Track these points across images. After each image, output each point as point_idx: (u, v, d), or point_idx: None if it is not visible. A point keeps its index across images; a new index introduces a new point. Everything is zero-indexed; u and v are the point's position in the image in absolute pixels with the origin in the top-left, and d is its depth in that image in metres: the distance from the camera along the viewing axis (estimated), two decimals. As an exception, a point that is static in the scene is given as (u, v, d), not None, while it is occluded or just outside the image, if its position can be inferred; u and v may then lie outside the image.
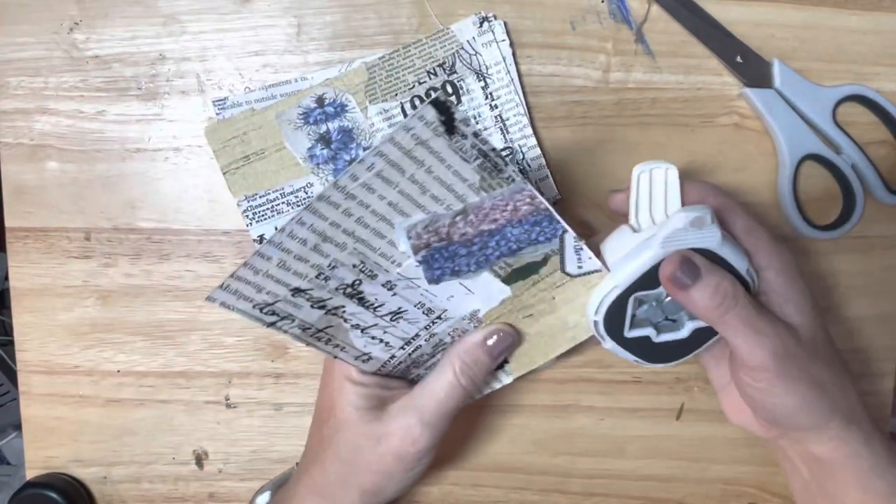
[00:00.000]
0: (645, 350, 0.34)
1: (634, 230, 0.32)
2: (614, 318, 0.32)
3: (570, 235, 0.31)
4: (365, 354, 0.34)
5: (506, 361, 0.38)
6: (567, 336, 0.36)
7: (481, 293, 0.34)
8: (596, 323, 0.33)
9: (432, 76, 0.40)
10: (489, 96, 0.40)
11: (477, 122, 0.40)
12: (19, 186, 0.41)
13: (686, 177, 0.33)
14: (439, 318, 0.34)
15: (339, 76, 0.40)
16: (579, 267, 0.33)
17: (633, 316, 0.33)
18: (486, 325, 0.36)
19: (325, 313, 0.32)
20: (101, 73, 0.40)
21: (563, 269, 0.33)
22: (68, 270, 0.42)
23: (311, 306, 0.31)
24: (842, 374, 0.33)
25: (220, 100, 0.40)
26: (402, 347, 0.35)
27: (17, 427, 0.90)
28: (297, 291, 0.30)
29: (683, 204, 0.32)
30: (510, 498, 0.45)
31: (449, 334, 0.36)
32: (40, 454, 0.43)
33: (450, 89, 0.40)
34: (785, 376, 0.31)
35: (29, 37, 0.40)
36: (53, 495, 0.41)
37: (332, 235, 0.29)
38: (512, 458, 0.45)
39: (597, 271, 0.33)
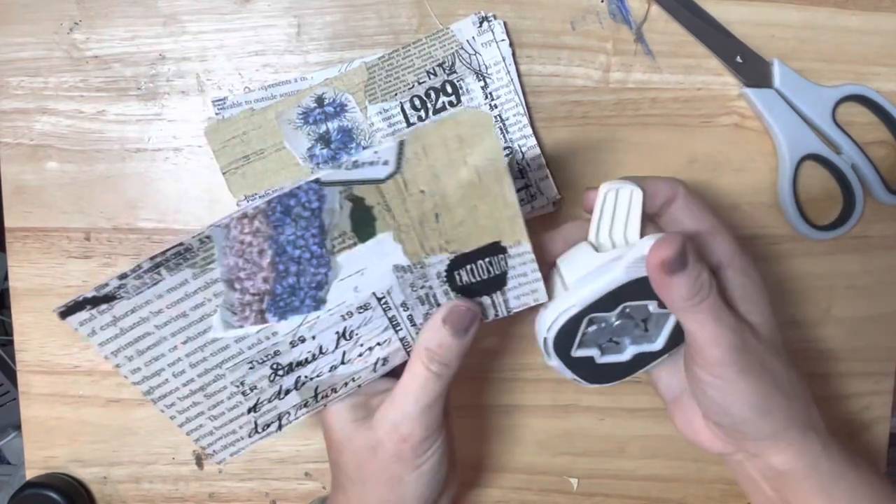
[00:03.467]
0: (587, 370, 0.33)
1: (594, 248, 0.32)
2: (564, 337, 0.32)
3: (307, 183, 0.28)
4: (356, 374, 0.34)
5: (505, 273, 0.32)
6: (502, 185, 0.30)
7: (370, 261, 0.31)
8: (546, 340, 0.32)
9: (432, 76, 0.40)
10: (489, 96, 0.40)
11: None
12: (19, 186, 0.41)
13: (686, 178, 0.33)
14: (385, 304, 0.33)
15: (338, 76, 0.40)
16: (356, 164, 0.28)
17: (583, 335, 0.32)
18: (442, 305, 0.33)
19: (296, 390, 0.33)
20: (101, 73, 0.40)
21: (378, 182, 0.29)
22: (68, 270, 0.42)
23: (279, 397, 0.33)
24: (797, 378, 0.33)
25: (220, 100, 0.40)
26: (380, 344, 0.34)
27: (17, 427, 0.90)
28: (252, 410, 0.32)
29: (644, 225, 0.32)
30: (510, 498, 0.45)
31: (405, 303, 0.33)
32: (40, 454, 0.43)
33: (449, 89, 0.40)
34: (744, 372, 0.30)
35: (29, 37, 0.40)
36: (53, 495, 0.41)
37: (211, 367, 0.31)
38: (512, 458, 0.45)
39: (391, 144, 0.28)
